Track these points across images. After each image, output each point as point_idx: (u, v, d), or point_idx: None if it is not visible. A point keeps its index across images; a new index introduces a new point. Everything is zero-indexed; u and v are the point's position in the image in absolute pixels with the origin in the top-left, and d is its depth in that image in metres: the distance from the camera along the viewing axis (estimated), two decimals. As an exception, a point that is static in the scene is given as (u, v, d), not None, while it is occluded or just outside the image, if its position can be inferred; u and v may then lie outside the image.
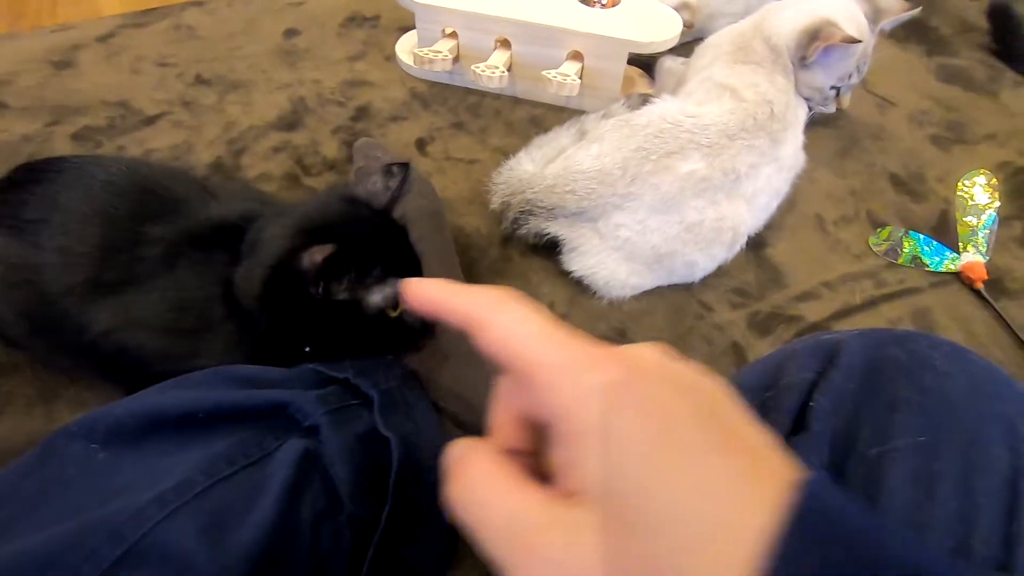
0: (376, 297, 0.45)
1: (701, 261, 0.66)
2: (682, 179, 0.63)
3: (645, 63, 0.92)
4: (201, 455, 0.38)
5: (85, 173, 0.52)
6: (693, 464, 0.17)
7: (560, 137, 0.73)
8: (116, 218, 0.49)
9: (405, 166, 0.49)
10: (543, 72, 0.78)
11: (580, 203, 0.63)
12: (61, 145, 0.80)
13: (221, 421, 0.41)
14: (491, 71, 0.79)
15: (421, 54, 0.82)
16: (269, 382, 0.45)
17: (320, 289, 0.43)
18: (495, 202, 0.69)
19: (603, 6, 0.85)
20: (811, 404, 0.34)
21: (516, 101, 0.90)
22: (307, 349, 0.47)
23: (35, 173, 0.52)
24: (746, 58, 0.74)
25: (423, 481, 0.42)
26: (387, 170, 0.48)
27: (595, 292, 0.67)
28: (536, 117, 0.88)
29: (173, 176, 0.54)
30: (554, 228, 0.66)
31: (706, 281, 0.69)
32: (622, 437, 0.17)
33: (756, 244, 0.73)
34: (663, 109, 0.68)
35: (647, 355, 0.19)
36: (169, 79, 0.90)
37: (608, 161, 0.63)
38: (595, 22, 0.82)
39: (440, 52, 0.82)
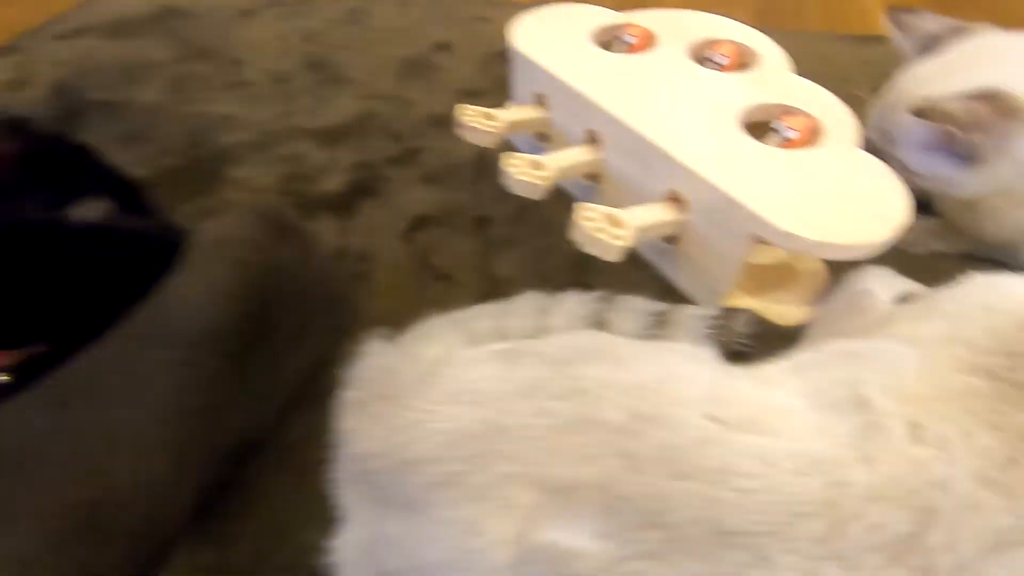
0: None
1: None
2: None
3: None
4: None
5: None
6: None
7: (527, 309, 0.40)
8: None
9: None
10: (579, 205, 0.46)
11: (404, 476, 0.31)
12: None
13: None
14: (523, 170, 0.49)
15: (461, 112, 0.56)
16: None
17: None
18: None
19: (786, 142, 0.48)
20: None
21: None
22: None
23: None
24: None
25: None
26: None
27: None
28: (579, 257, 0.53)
29: None
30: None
31: None
32: None
33: None
34: (709, 374, 0.31)
35: None
36: (294, 52, 0.83)
37: (469, 416, 0.30)
38: (728, 163, 0.45)
39: (489, 119, 0.55)
